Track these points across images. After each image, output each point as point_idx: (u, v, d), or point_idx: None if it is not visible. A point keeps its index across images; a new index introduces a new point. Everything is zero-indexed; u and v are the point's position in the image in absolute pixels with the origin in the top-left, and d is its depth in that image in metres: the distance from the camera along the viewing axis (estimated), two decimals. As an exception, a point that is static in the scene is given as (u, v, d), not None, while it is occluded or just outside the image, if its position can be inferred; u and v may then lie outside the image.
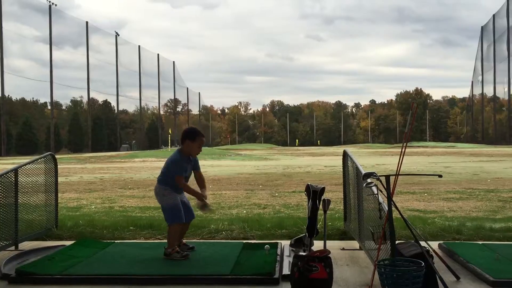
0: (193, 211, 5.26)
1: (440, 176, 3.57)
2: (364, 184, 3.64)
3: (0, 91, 53.23)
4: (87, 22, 68.74)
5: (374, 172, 3.43)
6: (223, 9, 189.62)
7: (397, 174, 3.52)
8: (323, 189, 4.13)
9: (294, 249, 4.67)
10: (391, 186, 3.47)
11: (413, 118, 3.48)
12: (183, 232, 5.20)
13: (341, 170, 6.13)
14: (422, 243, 3.91)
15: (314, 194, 4.05)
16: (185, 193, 5.15)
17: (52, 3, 60.68)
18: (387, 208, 3.53)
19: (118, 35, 76.16)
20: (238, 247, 5.19)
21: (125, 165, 28.37)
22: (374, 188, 3.75)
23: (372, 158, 32.02)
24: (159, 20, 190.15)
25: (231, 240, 5.85)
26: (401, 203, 9.54)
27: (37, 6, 61.39)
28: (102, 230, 6.29)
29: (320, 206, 4.30)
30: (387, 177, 3.43)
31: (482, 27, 79.77)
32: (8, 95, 62.51)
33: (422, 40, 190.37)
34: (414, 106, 3.42)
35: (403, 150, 3.48)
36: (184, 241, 5.25)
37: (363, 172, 3.91)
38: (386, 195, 3.55)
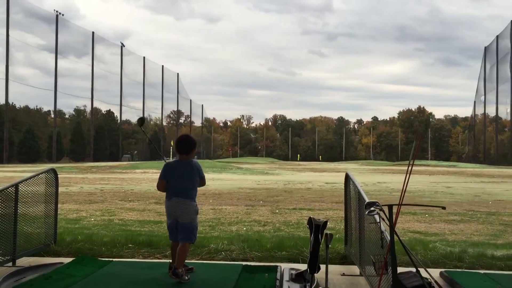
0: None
1: (444, 208, 3.54)
2: (366, 212, 3.60)
3: (4, 98, 53.46)
4: (93, 32, 69.33)
5: (377, 202, 3.39)
6: (226, 23, 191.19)
7: (399, 204, 3.49)
8: (325, 223, 4.09)
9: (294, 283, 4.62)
10: (394, 216, 3.44)
11: (417, 148, 3.45)
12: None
13: (343, 187, 6.10)
14: (423, 272, 3.87)
15: (317, 228, 4.00)
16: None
17: (59, 13, 61.26)
18: (389, 238, 3.49)
19: (124, 46, 76.73)
20: (237, 269, 5.14)
21: (126, 176, 28.33)
22: (377, 216, 3.71)
23: (374, 176, 31.93)
24: (163, 32, 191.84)
25: (230, 261, 5.79)
26: (402, 224, 9.48)
27: (43, 15, 62.07)
28: (100, 246, 6.24)
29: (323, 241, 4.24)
30: (390, 207, 3.39)
31: (485, 47, 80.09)
32: (12, 103, 62.84)
33: (424, 59, 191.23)
34: (418, 136, 3.40)
35: (406, 181, 3.45)
36: None
37: (366, 199, 3.87)
38: (388, 224, 3.52)
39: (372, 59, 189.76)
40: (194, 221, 4.97)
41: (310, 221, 4.13)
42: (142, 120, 6.83)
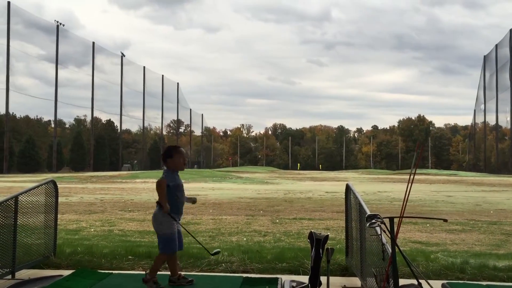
0: (182, 242, 5.20)
1: (446, 220, 3.52)
2: (368, 224, 3.59)
3: (5, 108, 53.53)
4: (93, 43, 69.59)
5: (378, 215, 3.38)
6: (225, 33, 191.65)
7: (401, 217, 3.47)
8: (326, 237, 4.07)
9: None
10: (395, 228, 3.42)
11: (418, 159, 3.44)
12: (174, 262, 5.15)
13: (343, 196, 6.07)
14: (425, 284, 3.84)
15: (318, 242, 3.98)
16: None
17: (60, 23, 61.55)
18: (390, 250, 3.47)
19: (124, 56, 76.97)
20: (238, 282, 5.11)
21: (126, 185, 28.28)
22: (378, 229, 3.69)
23: (374, 185, 31.88)
24: (162, 41, 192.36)
25: (230, 273, 5.76)
26: (403, 233, 9.44)
27: (42, 25, 62.31)
28: (100, 258, 6.21)
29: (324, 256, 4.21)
30: (391, 219, 3.37)
31: (484, 56, 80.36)
32: (13, 113, 62.92)
33: (422, 68, 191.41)
34: (419, 148, 3.39)
35: (407, 193, 3.44)
36: (183, 273, 5.18)
37: (367, 211, 3.85)
38: (389, 236, 3.50)
39: (371, 68, 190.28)
40: (160, 231, 5.01)
41: (311, 235, 4.11)
42: None
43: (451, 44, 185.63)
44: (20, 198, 5.43)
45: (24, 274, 5.50)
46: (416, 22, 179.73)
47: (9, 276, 5.26)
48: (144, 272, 5.83)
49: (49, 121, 77.07)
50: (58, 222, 6.45)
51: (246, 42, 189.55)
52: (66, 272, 5.52)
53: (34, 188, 5.77)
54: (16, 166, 57.44)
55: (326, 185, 31.05)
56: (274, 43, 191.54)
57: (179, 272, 5.19)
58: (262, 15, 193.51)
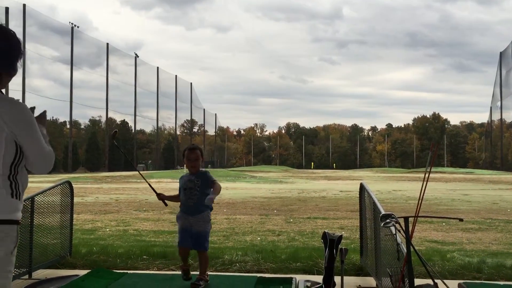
0: (190, 241, 5.08)
1: (461, 220, 3.48)
2: (382, 224, 3.55)
3: (21, 110, 54.16)
4: (107, 44, 70.15)
5: (393, 214, 3.34)
6: (236, 32, 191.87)
7: (416, 216, 3.44)
8: (340, 237, 4.04)
9: None
10: (410, 228, 3.38)
11: (433, 158, 3.41)
12: (184, 257, 5.19)
13: (357, 195, 6.03)
14: (441, 284, 3.79)
15: (331, 243, 3.96)
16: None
17: (74, 25, 62.20)
18: (405, 250, 3.43)
19: (138, 57, 77.49)
20: (252, 281, 5.11)
21: (141, 185, 28.43)
22: (393, 228, 3.66)
23: (389, 184, 31.65)
24: (173, 42, 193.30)
25: (244, 273, 5.75)
26: (419, 232, 9.35)
27: (56, 27, 62.94)
28: (115, 258, 6.26)
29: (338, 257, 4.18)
30: (406, 219, 3.34)
31: (500, 53, 79.19)
32: (28, 114, 63.51)
33: (436, 65, 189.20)
34: (434, 148, 3.35)
35: (423, 192, 3.40)
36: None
37: (382, 210, 3.82)
38: (404, 236, 3.46)
39: (384, 66, 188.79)
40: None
41: (325, 235, 4.08)
42: (114, 134, 6.76)
43: (465, 41, 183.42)
44: (36, 198, 5.49)
45: (40, 274, 5.56)
46: (428, 19, 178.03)
47: (26, 276, 5.33)
48: (159, 272, 5.87)
49: (65, 122, 78.00)
50: (73, 222, 6.52)
51: (257, 41, 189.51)
52: (82, 272, 5.57)
53: (50, 188, 5.83)
54: (32, 167, 58.14)
55: (340, 184, 30.91)
56: (285, 42, 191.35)
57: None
58: (272, 14, 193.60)
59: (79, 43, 64.70)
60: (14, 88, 49.35)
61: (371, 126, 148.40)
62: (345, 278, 4.82)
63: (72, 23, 62.01)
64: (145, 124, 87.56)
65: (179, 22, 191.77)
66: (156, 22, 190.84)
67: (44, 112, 2.53)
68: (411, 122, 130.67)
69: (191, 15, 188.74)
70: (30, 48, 54.47)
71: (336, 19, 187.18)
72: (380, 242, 4.43)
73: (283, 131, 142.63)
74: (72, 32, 62.03)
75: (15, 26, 51.56)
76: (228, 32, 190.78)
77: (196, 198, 5.00)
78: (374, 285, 5.06)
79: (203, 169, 5.16)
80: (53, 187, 5.87)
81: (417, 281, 3.89)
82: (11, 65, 2.32)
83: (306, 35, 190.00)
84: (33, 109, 2.39)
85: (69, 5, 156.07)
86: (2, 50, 2.27)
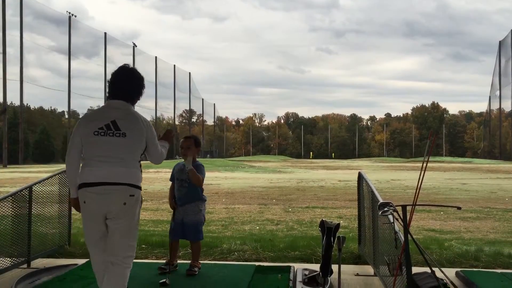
0: (180, 233, 5.19)
1: (459, 208, 3.48)
2: (380, 212, 3.56)
3: (19, 99, 54.04)
4: (105, 33, 69.68)
5: (391, 202, 3.35)
6: (232, 22, 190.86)
7: (413, 205, 3.44)
8: (338, 226, 4.04)
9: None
10: (408, 217, 3.38)
11: (431, 148, 3.40)
12: (172, 249, 5.26)
13: (356, 185, 6.05)
14: (438, 272, 3.80)
15: (329, 231, 3.96)
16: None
17: (72, 14, 61.78)
18: (403, 238, 3.44)
19: (136, 46, 77.10)
20: (250, 270, 5.13)
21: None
22: (390, 217, 3.66)
23: (388, 173, 31.71)
24: (170, 31, 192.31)
25: (243, 262, 5.77)
26: (417, 221, 9.39)
27: (53, 17, 62.57)
28: (114, 247, 6.25)
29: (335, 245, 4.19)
30: (404, 207, 3.34)
31: (500, 42, 78.93)
32: (27, 104, 63.52)
33: (433, 54, 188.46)
34: (432, 137, 3.34)
35: (420, 181, 3.40)
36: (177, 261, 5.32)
37: (380, 199, 3.82)
38: (402, 224, 3.46)
39: (381, 56, 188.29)
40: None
41: (322, 223, 4.09)
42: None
43: (462, 30, 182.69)
44: (34, 188, 5.48)
45: (39, 263, 5.58)
46: (426, 8, 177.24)
47: (25, 265, 5.34)
48: (157, 261, 5.88)
49: (63, 112, 77.74)
50: (72, 212, 6.51)
51: (254, 31, 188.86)
52: (81, 261, 5.58)
53: (48, 178, 5.82)
54: (31, 157, 58.19)
55: (339, 174, 30.96)
56: (282, 32, 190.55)
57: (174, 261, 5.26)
58: (269, 3, 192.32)
59: (76, 33, 64.15)
60: (12, 78, 49.26)
61: (369, 116, 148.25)
62: (343, 266, 4.85)
63: (69, 12, 61.58)
64: (144, 114, 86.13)
65: (175, 11, 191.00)
66: (152, 11, 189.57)
67: (171, 129, 4.29)
68: (409, 112, 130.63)
69: (187, 4, 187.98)
70: (26, 38, 54.11)
71: (333, 8, 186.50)
72: (378, 231, 4.44)
73: (282, 121, 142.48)
74: (69, 22, 61.61)
75: (11, 15, 51.26)
76: (225, 22, 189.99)
77: (187, 189, 5.03)
78: (372, 273, 5.08)
79: (198, 162, 5.17)
80: (51, 177, 5.85)
81: (415, 269, 3.90)
82: (141, 94, 3.98)
83: (303, 25, 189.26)
84: (172, 129, 4.14)
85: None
86: (139, 87, 3.93)
